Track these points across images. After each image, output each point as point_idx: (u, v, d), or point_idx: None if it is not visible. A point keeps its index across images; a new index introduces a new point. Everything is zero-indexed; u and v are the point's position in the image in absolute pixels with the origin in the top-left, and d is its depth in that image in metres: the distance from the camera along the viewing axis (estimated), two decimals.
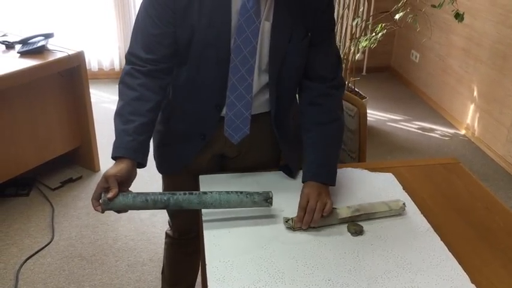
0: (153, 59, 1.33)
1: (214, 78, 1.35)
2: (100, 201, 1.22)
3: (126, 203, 1.22)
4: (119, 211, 1.25)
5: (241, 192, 1.27)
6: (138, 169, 1.31)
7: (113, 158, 1.29)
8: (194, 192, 1.26)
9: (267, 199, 1.28)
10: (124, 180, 1.25)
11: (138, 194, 1.24)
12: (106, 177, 1.23)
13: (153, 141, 1.55)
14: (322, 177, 1.36)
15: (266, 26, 1.30)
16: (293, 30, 1.32)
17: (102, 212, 1.24)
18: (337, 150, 1.46)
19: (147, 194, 1.24)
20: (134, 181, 1.29)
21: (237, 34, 1.27)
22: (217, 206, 1.26)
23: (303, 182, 1.37)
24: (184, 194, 1.25)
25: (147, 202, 1.23)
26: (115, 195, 1.21)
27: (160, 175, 1.66)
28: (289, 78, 1.40)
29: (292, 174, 1.49)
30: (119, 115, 1.32)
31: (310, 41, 1.37)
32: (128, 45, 1.39)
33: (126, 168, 1.26)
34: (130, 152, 1.27)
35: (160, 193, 1.25)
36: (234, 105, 1.37)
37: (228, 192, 1.26)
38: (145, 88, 1.32)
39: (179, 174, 1.56)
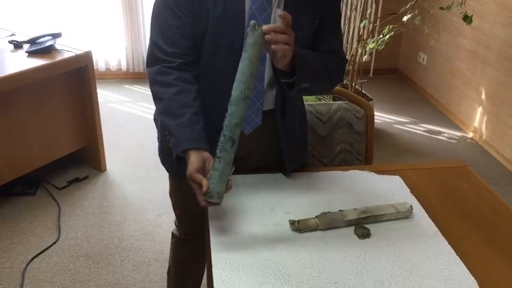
0: (178, 53, 1.32)
1: (228, 68, 1.35)
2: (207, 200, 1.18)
3: (217, 176, 1.17)
4: (226, 189, 1.19)
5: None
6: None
7: (177, 156, 1.26)
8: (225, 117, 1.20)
9: (255, 25, 1.14)
10: (204, 168, 1.22)
11: (212, 162, 1.19)
12: (189, 179, 1.20)
13: (165, 144, 1.55)
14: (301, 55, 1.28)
15: (278, 13, 1.31)
16: (302, 18, 1.34)
17: (218, 204, 1.19)
18: (319, 79, 1.41)
19: (215, 154, 1.19)
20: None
21: (250, 21, 1.28)
22: (246, 80, 1.17)
23: None
24: (224, 118, 1.19)
25: (221, 158, 1.17)
26: (207, 186, 1.17)
27: (166, 178, 1.66)
28: None
29: (285, 172, 1.49)
30: (166, 113, 1.29)
31: (319, 34, 1.39)
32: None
33: (197, 158, 1.22)
34: (193, 143, 1.24)
35: (217, 144, 1.18)
36: None
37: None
38: (182, 81, 1.31)
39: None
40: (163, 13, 1.32)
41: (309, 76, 1.34)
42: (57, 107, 2.79)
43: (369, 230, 1.28)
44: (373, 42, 3.46)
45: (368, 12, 4.09)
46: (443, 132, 3.88)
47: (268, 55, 1.35)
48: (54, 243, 2.45)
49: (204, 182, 1.17)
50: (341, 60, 1.49)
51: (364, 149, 1.85)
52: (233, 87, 1.18)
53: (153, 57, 1.35)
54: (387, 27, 3.40)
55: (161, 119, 1.31)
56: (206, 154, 1.25)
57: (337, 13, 1.45)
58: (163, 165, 1.60)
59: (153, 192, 2.85)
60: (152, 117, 1.67)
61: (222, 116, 1.42)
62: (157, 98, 1.34)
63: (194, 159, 1.22)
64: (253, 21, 1.15)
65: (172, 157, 1.55)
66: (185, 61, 1.33)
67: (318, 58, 1.39)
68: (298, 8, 1.33)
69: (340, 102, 1.85)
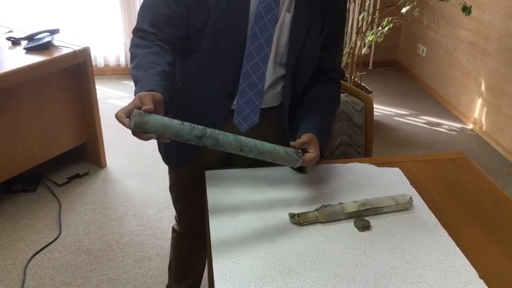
0: (161, 37, 1.31)
1: (228, 65, 1.35)
2: (131, 116, 1.07)
3: (163, 121, 1.08)
4: (148, 133, 1.09)
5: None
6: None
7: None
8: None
9: (297, 153, 1.29)
10: (156, 106, 1.12)
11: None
12: (141, 96, 1.11)
13: None
14: (324, 141, 1.40)
15: (287, 18, 1.32)
16: (312, 24, 1.34)
17: (132, 128, 1.07)
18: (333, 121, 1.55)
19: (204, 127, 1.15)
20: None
21: (255, 21, 1.28)
22: (252, 148, 1.20)
23: (307, 132, 1.35)
24: (220, 130, 1.18)
25: (184, 125, 1.11)
26: (151, 110, 1.07)
27: (167, 173, 1.66)
28: (304, 71, 1.42)
29: (302, 170, 1.49)
30: (138, 67, 1.24)
31: (325, 47, 1.42)
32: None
33: (160, 96, 1.14)
34: (159, 88, 1.15)
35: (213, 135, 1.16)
36: (245, 93, 1.37)
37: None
38: (160, 47, 1.29)
39: (186, 169, 1.56)
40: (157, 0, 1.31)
41: (329, 133, 1.47)
42: (56, 103, 2.78)
43: (369, 222, 1.28)
44: (372, 34, 3.45)
45: (367, 4, 4.07)
46: (443, 124, 3.87)
47: (270, 55, 1.35)
48: (55, 239, 2.46)
49: (150, 107, 1.08)
50: (340, 77, 1.56)
51: (364, 141, 1.85)
52: (248, 138, 1.22)
53: (134, 33, 1.35)
54: (386, 19, 3.39)
55: (132, 74, 1.25)
56: (163, 110, 1.18)
57: (343, 24, 1.47)
58: (159, 152, 1.60)
59: (153, 188, 2.86)
60: None
61: (214, 110, 1.42)
62: (133, 58, 1.29)
63: (158, 95, 1.14)
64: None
65: (171, 147, 1.55)
66: (165, 42, 1.31)
67: (327, 112, 1.48)
68: (308, 14, 1.33)
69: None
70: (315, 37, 1.36)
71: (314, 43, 1.38)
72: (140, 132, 1.08)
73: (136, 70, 1.24)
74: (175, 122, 1.11)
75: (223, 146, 1.17)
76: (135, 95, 1.16)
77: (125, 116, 1.08)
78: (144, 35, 1.32)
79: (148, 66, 1.23)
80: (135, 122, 1.06)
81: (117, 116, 1.08)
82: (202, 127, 1.15)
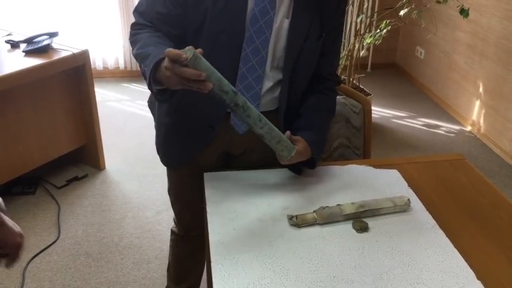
0: (158, 30, 1.33)
1: (224, 67, 1.35)
2: (184, 50, 1.07)
3: (211, 66, 1.11)
4: (199, 70, 1.09)
5: None
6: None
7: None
8: None
9: (292, 142, 1.31)
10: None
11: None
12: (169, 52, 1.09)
13: (159, 134, 1.56)
14: (317, 153, 1.42)
15: (285, 24, 1.32)
16: (310, 30, 1.34)
17: (188, 60, 1.06)
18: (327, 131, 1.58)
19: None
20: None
21: (251, 23, 1.29)
22: (266, 122, 1.23)
23: (301, 136, 1.37)
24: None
25: (223, 78, 1.14)
26: (201, 52, 1.09)
27: (165, 176, 1.66)
28: (301, 76, 1.43)
29: (299, 172, 1.49)
30: (145, 45, 1.23)
31: (323, 53, 1.42)
32: None
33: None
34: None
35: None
36: (242, 95, 1.37)
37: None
38: (162, 33, 1.31)
39: (185, 171, 1.57)
40: None
41: (324, 144, 1.49)
42: (55, 106, 2.78)
43: (367, 223, 1.28)
44: (371, 36, 3.46)
45: (365, 6, 4.08)
46: (442, 126, 3.88)
47: (267, 59, 1.35)
48: (54, 242, 2.46)
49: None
50: (337, 84, 1.57)
51: (362, 143, 1.85)
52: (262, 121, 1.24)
53: (135, 25, 1.36)
54: (384, 21, 3.40)
55: (138, 52, 1.25)
56: None
57: (341, 30, 1.48)
58: (158, 153, 1.60)
59: (152, 190, 2.86)
60: (150, 115, 1.68)
61: (211, 112, 1.42)
62: (136, 42, 1.30)
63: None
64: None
65: (169, 148, 1.55)
66: (165, 35, 1.32)
67: (323, 123, 1.50)
68: (306, 20, 1.33)
69: (337, 97, 1.85)
70: (313, 43, 1.37)
71: (312, 49, 1.38)
72: (192, 67, 1.08)
73: (144, 48, 1.24)
74: (220, 74, 1.14)
75: (248, 110, 1.20)
76: (143, 72, 1.18)
77: (179, 52, 1.08)
78: (142, 27, 1.34)
79: (156, 44, 1.24)
80: (194, 53, 1.07)
81: (169, 51, 1.08)
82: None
